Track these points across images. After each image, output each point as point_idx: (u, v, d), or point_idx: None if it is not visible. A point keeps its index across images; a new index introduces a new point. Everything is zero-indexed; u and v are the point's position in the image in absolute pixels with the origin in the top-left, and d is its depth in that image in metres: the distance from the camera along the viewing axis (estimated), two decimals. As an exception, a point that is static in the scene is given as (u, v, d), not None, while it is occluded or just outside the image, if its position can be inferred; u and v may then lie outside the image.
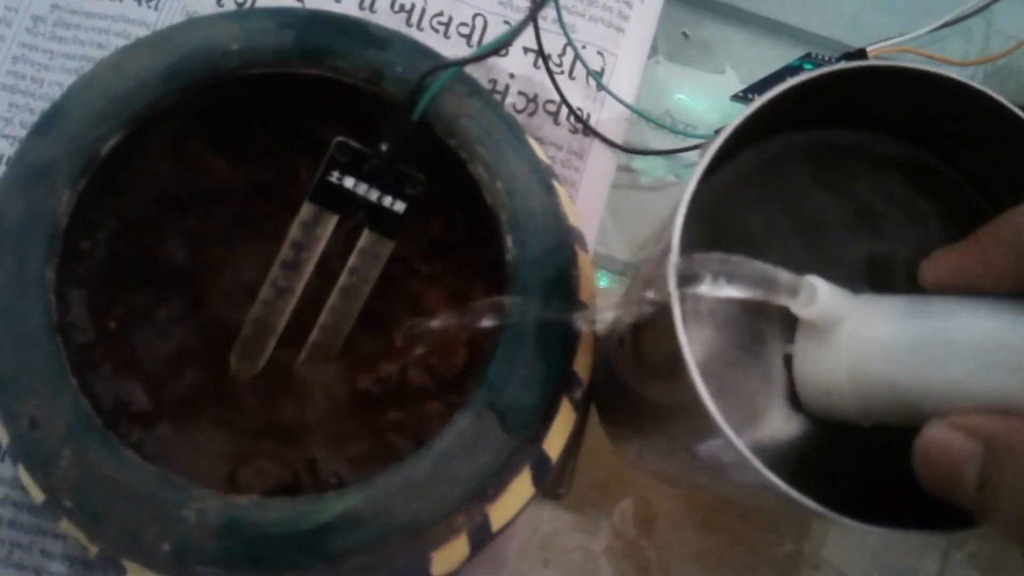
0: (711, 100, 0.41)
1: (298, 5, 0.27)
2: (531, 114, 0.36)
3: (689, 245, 0.25)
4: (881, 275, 0.27)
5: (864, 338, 0.20)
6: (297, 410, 0.28)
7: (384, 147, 0.25)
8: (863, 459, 0.28)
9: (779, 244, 0.28)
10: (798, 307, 0.21)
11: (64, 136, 0.23)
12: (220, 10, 0.26)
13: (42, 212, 0.23)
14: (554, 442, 0.25)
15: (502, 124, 0.25)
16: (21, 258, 0.23)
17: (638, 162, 0.38)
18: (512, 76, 0.36)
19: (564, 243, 0.25)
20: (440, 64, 0.24)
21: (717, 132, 0.23)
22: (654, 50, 0.39)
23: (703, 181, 0.22)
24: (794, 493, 0.20)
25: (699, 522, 0.35)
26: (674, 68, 0.40)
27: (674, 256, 0.21)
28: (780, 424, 0.30)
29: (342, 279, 0.27)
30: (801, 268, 0.22)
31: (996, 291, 0.19)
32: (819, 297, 0.20)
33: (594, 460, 0.34)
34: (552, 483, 0.33)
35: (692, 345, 0.27)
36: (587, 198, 0.36)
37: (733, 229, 0.26)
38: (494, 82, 0.36)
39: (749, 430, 0.30)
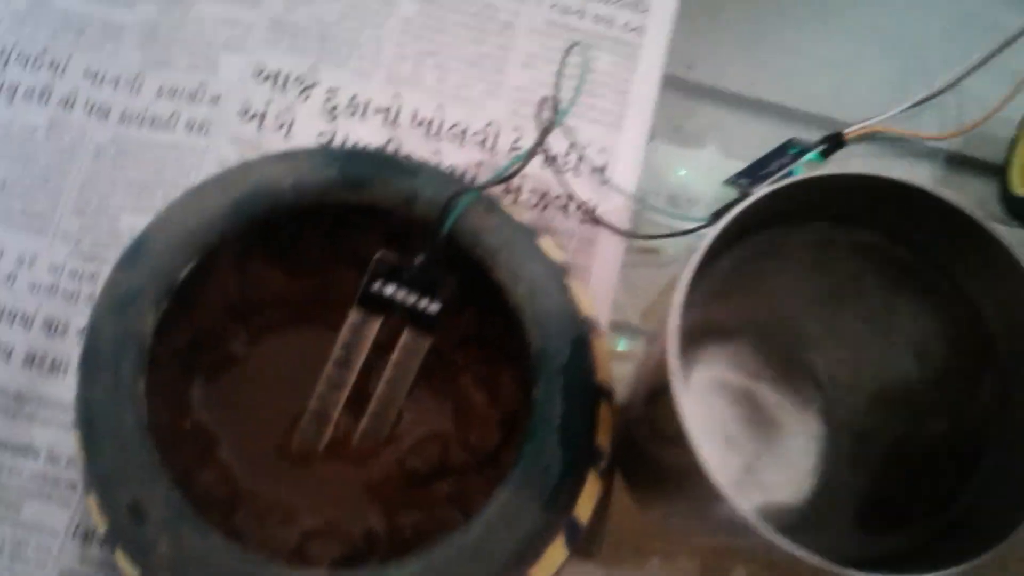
0: (708, 178, 0.44)
1: (338, 145, 0.30)
2: (543, 209, 0.40)
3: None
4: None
5: None
6: (354, 487, 0.31)
7: (418, 259, 0.29)
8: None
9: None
10: None
11: (147, 267, 0.27)
12: (269, 153, 0.30)
13: (132, 333, 0.27)
14: (583, 509, 0.28)
15: (518, 234, 0.29)
16: (116, 373, 0.26)
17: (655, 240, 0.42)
18: (524, 176, 0.40)
19: (580, 333, 0.28)
20: (463, 189, 0.28)
21: (711, 221, 0.26)
22: (652, 135, 0.43)
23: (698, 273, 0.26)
24: (801, 552, 0.23)
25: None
26: (672, 150, 0.44)
27: (672, 341, 0.24)
28: (789, 485, 0.33)
29: (387, 372, 0.30)
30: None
31: None
32: None
33: (623, 519, 0.37)
34: (584, 541, 0.36)
35: (697, 418, 0.31)
36: (599, 280, 0.39)
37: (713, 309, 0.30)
38: (509, 183, 0.40)
39: (758, 493, 0.33)
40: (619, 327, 0.40)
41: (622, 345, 0.41)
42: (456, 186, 0.29)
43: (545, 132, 0.28)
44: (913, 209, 0.27)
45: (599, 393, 0.29)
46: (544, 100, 0.27)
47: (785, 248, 0.30)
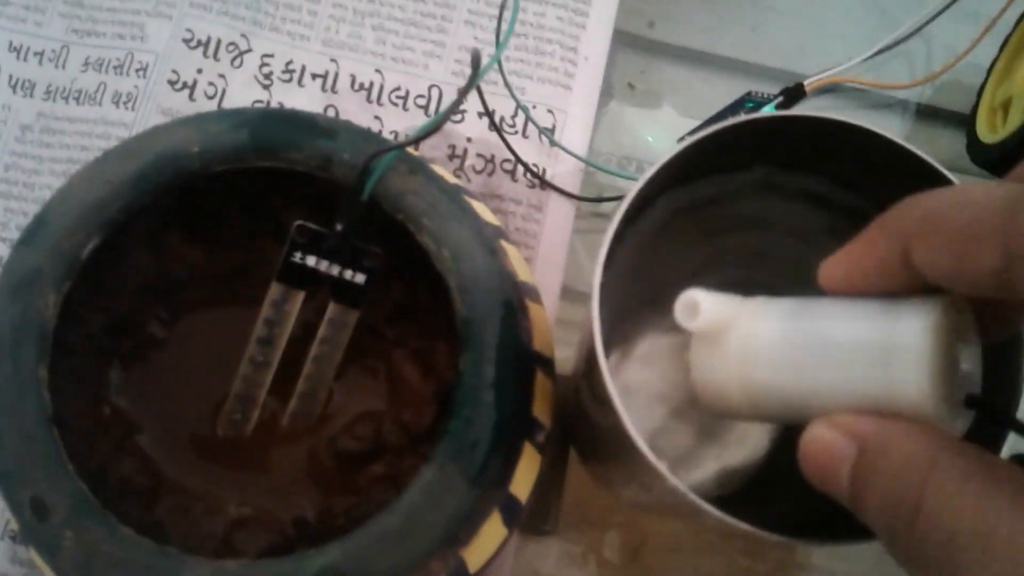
0: (667, 138, 0.42)
1: (249, 106, 0.29)
2: (490, 174, 0.38)
3: (619, 289, 0.27)
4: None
5: (750, 343, 0.21)
6: (283, 472, 0.30)
7: (339, 226, 0.27)
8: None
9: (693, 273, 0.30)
10: (684, 321, 0.21)
11: (46, 245, 0.26)
12: (178, 116, 0.28)
13: (31, 316, 0.25)
14: (521, 484, 0.27)
15: (444, 196, 0.27)
16: (15, 360, 0.25)
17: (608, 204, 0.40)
18: (469, 140, 0.38)
19: (512, 299, 0.27)
20: (383, 148, 0.26)
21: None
22: (608, 96, 0.41)
23: (622, 230, 0.24)
24: (723, 515, 0.21)
25: (688, 546, 0.36)
26: (628, 111, 0.42)
27: (595, 306, 0.23)
28: (745, 450, 0.32)
29: (314, 349, 0.29)
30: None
31: (888, 288, 0.19)
32: (701, 309, 0.21)
33: (580, 497, 0.36)
34: (538, 520, 0.34)
35: (644, 385, 0.29)
36: (549, 246, 0.38)
37: (654, 269, 0.29)
38: (453, 147, 0.38)
39: (713, 460, 0.31)
40: (580, 296, 0.39)
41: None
42: (376, 146, 0.27)
43: (470, 83, 0.26)
44: (859, 153, 0.25)
45: (535, 361, 0.27)
46: (475, 51, 0.25)
47: (726, 201, 0.28)
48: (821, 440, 0.18)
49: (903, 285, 0.19)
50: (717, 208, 0.29)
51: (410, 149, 0.28)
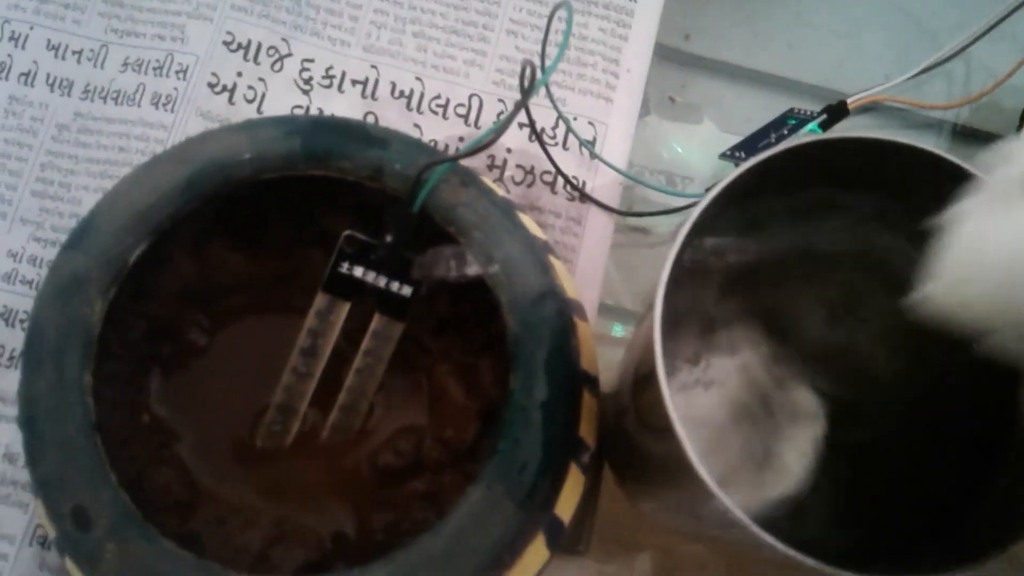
0: (704, 153, 0.42)
1: (302, 113, 0.28)
2: (529, 185, 0.38)
3: (676, 310, 0.26)
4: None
5: None
6: (322, 485, 0.29)
7: (388, 238, 0.27)
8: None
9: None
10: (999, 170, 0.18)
11: (94, 249, 0.25)
12: (230, 123, 0.28)
13: (77, 322, 0.25)
14: (565, 506, 0.26)
15: (496, 209, 0.27)
16: (60, 366, 0.24)
17: (646, 219, 0.40)
18: (509, 151, 0.38)
19: (562, 317, 0.26)
20: (435, 160, 0.26)
21: (699, 199, 0.24)
22: (646, 109, 0.41)
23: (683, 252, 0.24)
24: (790, 551, 0.21)
25: (721, 569, 0.36)
26: (666, 125, 0.42)
27: (658, 323, 0.22)
28: (781, 483, 0.31)
29: (357, 361, 0.28)
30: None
31: None
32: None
33: (612, 516, 0.35)
34: (571, 540, 0.34)
35: (688, 410, 0.29)
36: (588, 260, 0.37)
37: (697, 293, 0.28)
38: (492, 157, 0.38)
39: (751, 489, 0.31)
40: (612, 311, 0.38)
41: (618, 331, 0.39)
42: (428, 156, 0.26)
43: (525, 97, 0.25)
44: (918, 175, 0.25)
45: (582, 381, 0.27)
46: (526, 63, 0.25)
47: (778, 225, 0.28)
48: None
49: None
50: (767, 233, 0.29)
51: (461, 161, 0.27)
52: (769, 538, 0.21)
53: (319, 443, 0.29)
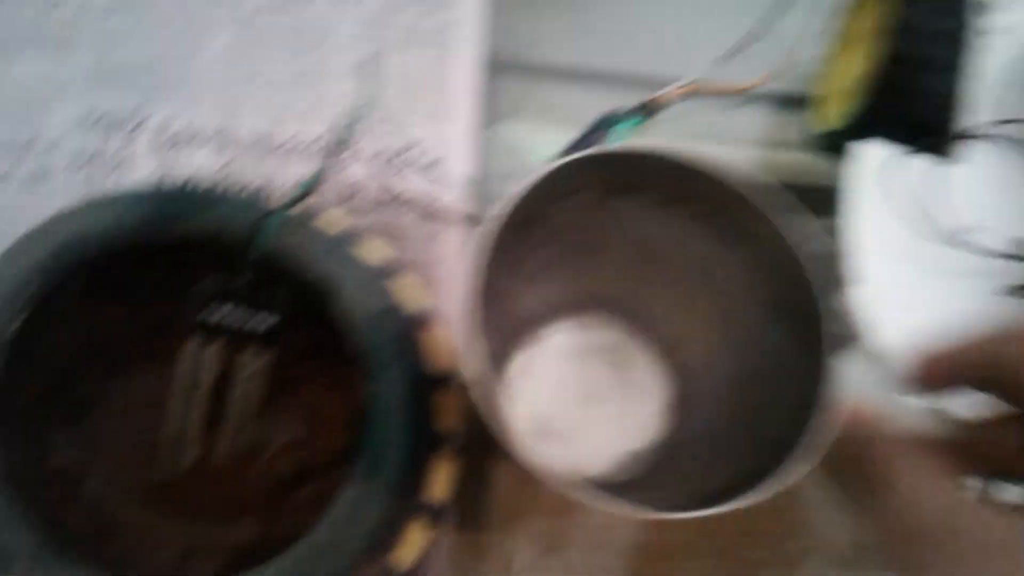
0: (551, 153, 0.46)
1: (162, 174, 0.32)
2: (384, 207, 0.41)
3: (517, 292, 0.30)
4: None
5: None
6: (223, 502, 0.33)
7: (241, 282, 0.31)
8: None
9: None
10: None
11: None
12: (87, 199, 0.31)
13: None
14: (438, 489, 0.30)
15: (331, 245, 0.30)
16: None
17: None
18: (361, 179, 0.42)
19: (405, 330, 0.30)
20: (266, 212, 0.29)
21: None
22: (493, 118, 0.45)
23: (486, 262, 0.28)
24: (607, 502, 0.25)
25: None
26: (516, 131, 0.46)
27: (468, 326, 0.26)
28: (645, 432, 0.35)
29: (235, 390, 0.32)
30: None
31: None
32: None
33: (509, 490, 0.39)
34: (467, 516, 0.38)
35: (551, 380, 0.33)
36: (446, 270, 0.41)
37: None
38: (346, 187, 0.42)
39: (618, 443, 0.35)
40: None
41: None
42: (261, 209, 0.30)
43: (333, 154, 0.29)
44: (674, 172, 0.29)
45: (434, 380, 0.30)
46: (334, 125, 0.29)
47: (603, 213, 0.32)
48: None
49: None
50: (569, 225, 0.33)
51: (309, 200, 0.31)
52: (582, 490, 0.25)
53: (214, 465, 0.32)
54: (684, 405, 0.36)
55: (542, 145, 0.46)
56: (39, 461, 0.31)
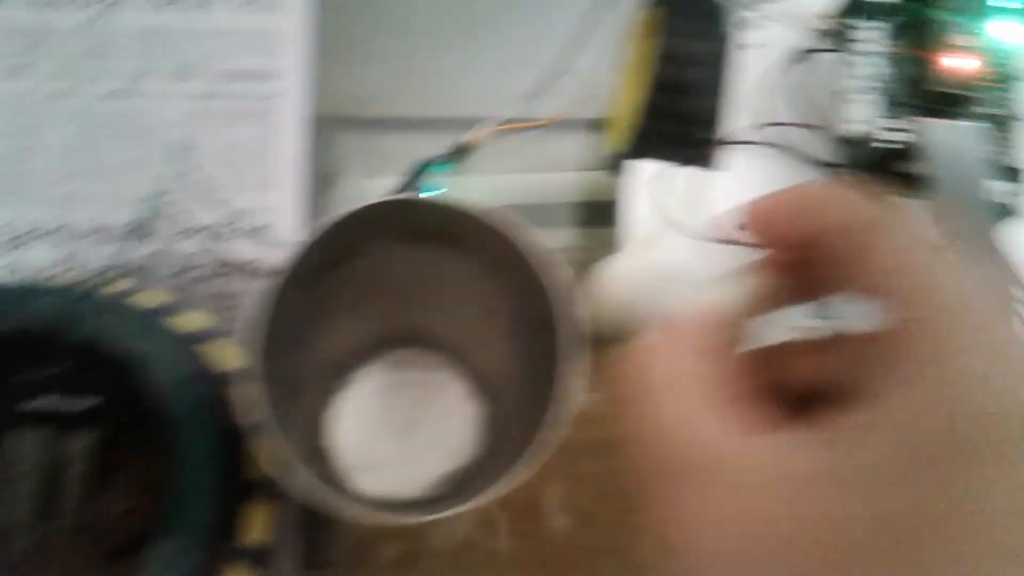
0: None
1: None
2: (221, 276, 0.45)
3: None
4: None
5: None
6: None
7: (59, 368, 0.34)
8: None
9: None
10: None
11: None
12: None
13: None
14: (256, 533, 0.33)
15: (143, 320, 0.34)
16: None
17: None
18: (192, 252, 0.45)
19: (213, 390, 0.33)
20: (75, 298, 0.33)
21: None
22: (332, 176, 0.48)
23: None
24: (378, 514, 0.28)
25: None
26: (349, 186, 0.49)
27: (254, 383, 0.30)
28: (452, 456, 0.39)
29: (68, 470, 0.35)
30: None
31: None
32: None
33: (355, 526, 0.42)
34: (316, 555, 0.40)
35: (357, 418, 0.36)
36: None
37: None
38: (180, 261, 0.45)
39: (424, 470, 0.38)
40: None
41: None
42: (70, 297, 0.33)
43: (135, 236, 0.32)
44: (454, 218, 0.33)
45: (242, 432, 0.34)
46: (139, 207, 0.32)
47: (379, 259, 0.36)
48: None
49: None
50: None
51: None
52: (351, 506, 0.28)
53: (53, 544, 0.35)
54: (495, 423, 0.39)
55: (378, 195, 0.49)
56: None
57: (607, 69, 0.51)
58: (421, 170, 0.47)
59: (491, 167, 0.51)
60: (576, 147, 0.52)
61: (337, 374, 0.40)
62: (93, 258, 0.44)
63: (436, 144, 0.51)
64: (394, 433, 0.40)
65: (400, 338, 0.40)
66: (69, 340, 0.33)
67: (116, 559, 0.35)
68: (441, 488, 0.38)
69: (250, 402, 0.35)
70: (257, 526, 0.33)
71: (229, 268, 0.45)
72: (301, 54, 0.49)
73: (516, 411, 0.37)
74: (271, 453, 0.32)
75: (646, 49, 0.46)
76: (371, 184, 0.49)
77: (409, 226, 0.35)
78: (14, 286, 0.34)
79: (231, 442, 0.33)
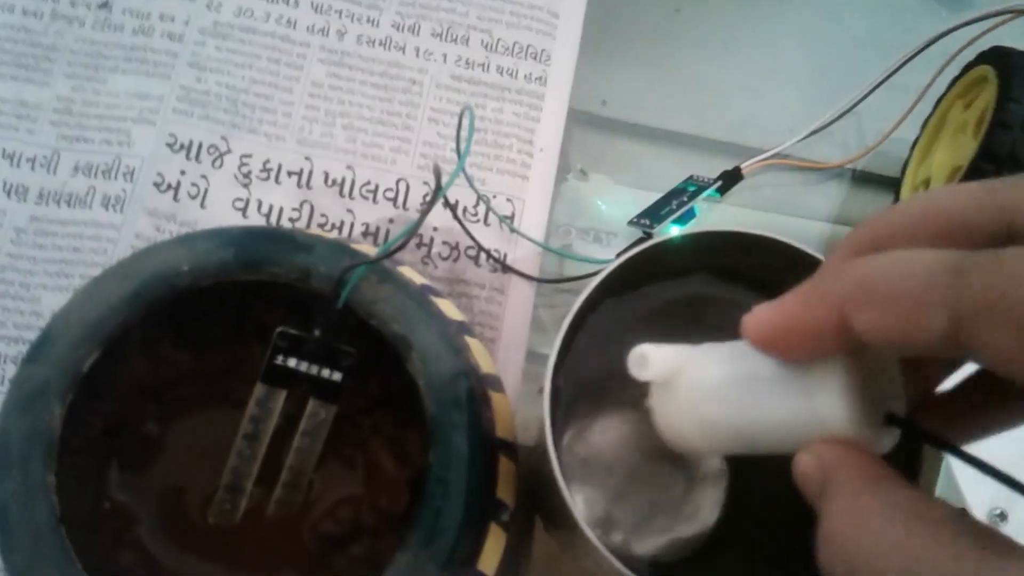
0: (624, 212, 0.46)
1: (234, 225, 0.31)
2: (455, 260, 0.41)
3: (577, 365, 0.30)
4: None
5: (697, 384, 0.23)
6: (271, 555, 0.32)
7: (317, 331, 0.30)
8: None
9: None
10: (636, 373, 0.24)
11: (51, 361, 0.28)
12: (170, 237, 0.31)
13: (39, 428, 0.28)
14: (488, 561, 0.30)
15: (411, 301, 0.30)
16: (25, 469, 0.27)
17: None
18: (435, 229, 0.42)
19: (476, 394, 0.30)
20: (355, 263, 0.29)
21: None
22: (565, 172, 0.45)
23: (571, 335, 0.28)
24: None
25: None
26: (586, 186, 0.46)
27: (546, 397, 0.26)
28: (693, 526, 0.35)
29: (296, 441, 0.31)
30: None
31: (818, 351, 0.20)
32: (650, 361, 0.23)
33: (545, 562, 0.38)
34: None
35: (600, 455, 0.33)
36: (511, 326, 0.41)
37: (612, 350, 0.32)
38: (420, 236, 0.41)
39: (663, 532, 0.34)
40: (540, 358, 0.42)
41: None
42: (349, 259, 0.30)
43: (430, 204, 0.29)
44: (779, 256, 0.29)
45: (497, 448, 0.30)
46: (436, 169, 0.28)
47: (665, 302, 0.32)
48: (799, 465, 0.20)
49: (835, 348, 0.19)
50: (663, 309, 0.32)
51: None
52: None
53: (266, 517, 0.32)
54: (735, 491, 0.35)
55: (606, 200, 0.46)
56: (95, 501, 0.31)
57: (895, 121, 0.46)
58: (682, 192, 0.43)
59: (751, 202, 0.46)
60: (847, 198, 0.47)
61: (588, 394, 0.36)
62: (329, 211, 0.42)
63: (684, 164, 0.47)
64: (629, 474, 0.35)
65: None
66: (340, 305, 0.29)
67: (324, 552, 0.32)
68: (674, 553, 0.34)
69: (504, 414, 0.32)
70: (491, 553, 0.30)
71: (460, 251, 0.41)
72: (574, 39, 0.46)
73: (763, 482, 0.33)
74: (546, 481, 0.28)
75: (974, 112, 0.41)
76: (607, 191, 0.45)
77: (726, 263, 0.31)
78: (292, 232, 0.31)
79: (486, 457, 0.29)
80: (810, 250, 0.28)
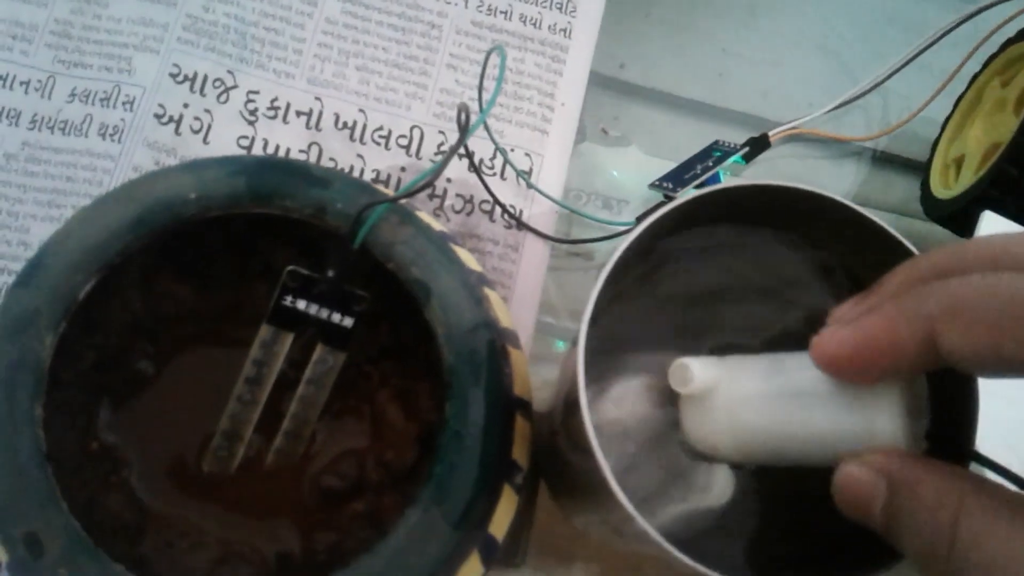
0: (637, 177, 0.44)
1: (247, 144, 0.30)
2: (468, 214, 0.39)
3: (593, 332, 0.28)
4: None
5: (736, 397, 0.23)
6: (267, 507, 0.30)
7: (330, 272, 0.28)
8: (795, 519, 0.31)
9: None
10: (678, 387, 0.24)
11: (44, 286, 0.26)
12: (177, 162, 0.29)
13: (28, 356, 0.26)
14: (499, 524, 0.28)
15: (432, 246, 0.28)
16: (11, 399, 0.25)
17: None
18: (450, 180, 0.40)
19: (495, 346, 0.28)
20: (375, 200, 0.27)
21: (634, 226, 0.26)
22: (582, 136, 0.43)
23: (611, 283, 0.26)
24: (689, 561, 0.23)
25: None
26: (602, 151, 0.44)
27: (581, 353, 0.24)
28: (707, 498, 0.33)
29: (300, 389, 0.30)
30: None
31: (901, 369, 0.20)
32: (693, 375, 0.23)
33: (548, 529, 0.37)
34: (508, 553, 0.35)
35: (616, 425, 0.31)
36: (525, 285, 0.39)
37: (626, 314, 0.30)
38: (434, 187, 0.39)
39: (677, 503, 0.33)
40: (554, 329, 0.40)
41: (560, 346, 0.40)
42: (368, 196, 0.28)
43: (459, 142, 0.27)
44: (815, 214, 0.27)
45: (515, 406, 0.28)
46: (462, 107, 0.26)
47: (697, 251, 0.30)
48: (853, 477, 0.20)
49: (919, 366, 0.19)
50: (685, 263, 0.31)
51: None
52: (681, 556, 0.23)
53: (264, 467, 0.30)
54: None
55: (618, 166, 0.44)
56: (84, 438, 0.29)
57: (922, 100, 0.44)
58: (707, 156, 0.42)
59: (772, 174, 0.45)
60: (868, 176, 0.46)
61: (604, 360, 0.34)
62: (338, 154, 0.40)
63: (704, 132, 0.45)
64: (644, 442, 0.34)
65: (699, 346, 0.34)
66: (356, 244, 0.28)
67: (325, 506, 0.30)
68: (689, 526, 0.33)
69: (521, 372, 0.30)
70: (503, 516, 0.28)
71: (474, 205, 0.40)
72: (604, -6, 0.44)
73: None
74: (573, 441, 0.26)
75: (1008, 88, 0.40)
76: (624, 153, 0.44)
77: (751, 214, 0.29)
78: (307, 164, 0.29)
79: (503, 415, 0.28)
80: (844, 199, 0.26)
